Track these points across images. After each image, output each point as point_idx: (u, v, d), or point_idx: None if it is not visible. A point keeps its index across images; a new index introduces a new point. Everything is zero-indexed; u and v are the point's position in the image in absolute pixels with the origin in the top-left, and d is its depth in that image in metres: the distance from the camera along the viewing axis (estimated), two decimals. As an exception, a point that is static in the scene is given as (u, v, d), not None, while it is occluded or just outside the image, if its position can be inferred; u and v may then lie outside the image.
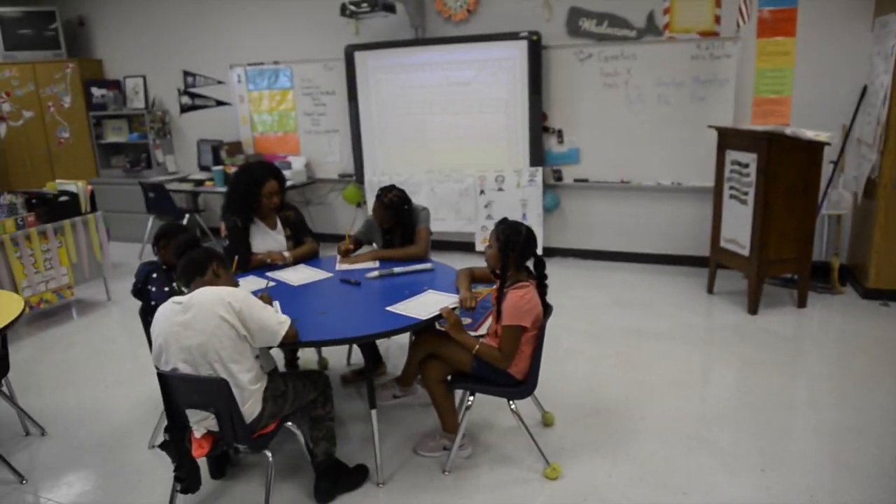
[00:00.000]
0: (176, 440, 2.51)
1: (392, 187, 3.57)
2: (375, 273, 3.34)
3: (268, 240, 3.62)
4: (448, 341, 2.83)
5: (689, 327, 4.50)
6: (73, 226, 5.05)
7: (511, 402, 2.87)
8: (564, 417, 3.35)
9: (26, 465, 3.15)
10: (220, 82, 7.14)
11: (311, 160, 6.85)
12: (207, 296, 2.36)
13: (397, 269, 3.36)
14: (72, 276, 5.08)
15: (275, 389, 2.53)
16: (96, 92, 7.47)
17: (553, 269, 2.86)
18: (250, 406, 2.42)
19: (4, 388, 3.32)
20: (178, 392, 2.43)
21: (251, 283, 3.28)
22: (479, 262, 3.28)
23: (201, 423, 2.44)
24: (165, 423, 2.61)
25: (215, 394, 2.34)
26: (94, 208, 5.25)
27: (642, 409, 3.43)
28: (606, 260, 6.06)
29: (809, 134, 4.25)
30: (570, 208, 6.06)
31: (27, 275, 4.74)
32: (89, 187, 5.23)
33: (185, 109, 7.41)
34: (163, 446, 2.52)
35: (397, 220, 3.58)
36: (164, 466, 2.96)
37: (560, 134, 5.87)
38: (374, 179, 6.39)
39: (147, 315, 3.08)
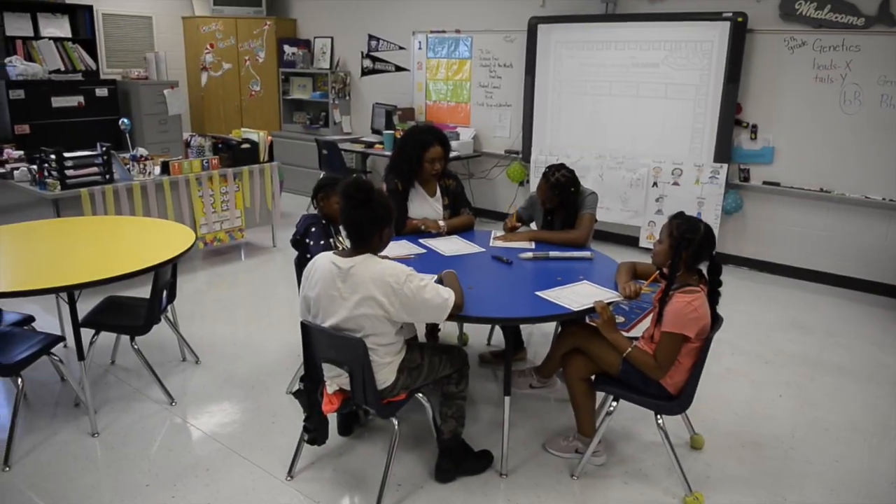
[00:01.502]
0: (309, 391, 2.52)
1: (561, 166, 3.34)
2: (529, 254, 3.14)
3: (425, 206, 3.55)
4: (597, 338, 2.59)
5: (881, 366, 3.86)
6: (251, 172, 5.34)
7: (658, 417, 2.58)
8: (715, 443, 2.99)
9: (178, 388, 3.35)
10: (401, 48, 7.24)
11: (480, 133, 6.76)
12: (369, 272, 2.24)
13: (553, 254, 3.14)
14: (244, 219, 5.40)
15: (410, 362, 2.45)
16: (288, 50, 7.89)
17: (724, 277, 2.51)
18: (384, 374, 2.36)
19: (170, 315, 3.56)
20: (318, 344, 2.42)
21: (402, 247, 3.22)
22: (642, 259, 2.99)
23: (335, 379, 2.41)
24: (303, 372, 2.62)
25: (352, 353, 2.30)
26: (271, 158, 5.52)
27: (811, 452, 2.98)
28: (787, 276, 5.40)
29: None
30: (754, 213, 5.46)
31: (206, 213, 5.08)
32: (269, 138, 5.50)
33: (365, 73, 7.61)
34: (296, 394, 2.54)
35: (561, 201, 3.36)
36: (298, 413, 3.01)
37: (754, 129, 5.28)
38: (541, 159, 6.17)
39: (302, 265, 3.13)
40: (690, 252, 2.42)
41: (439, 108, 7.02)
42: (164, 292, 3.26)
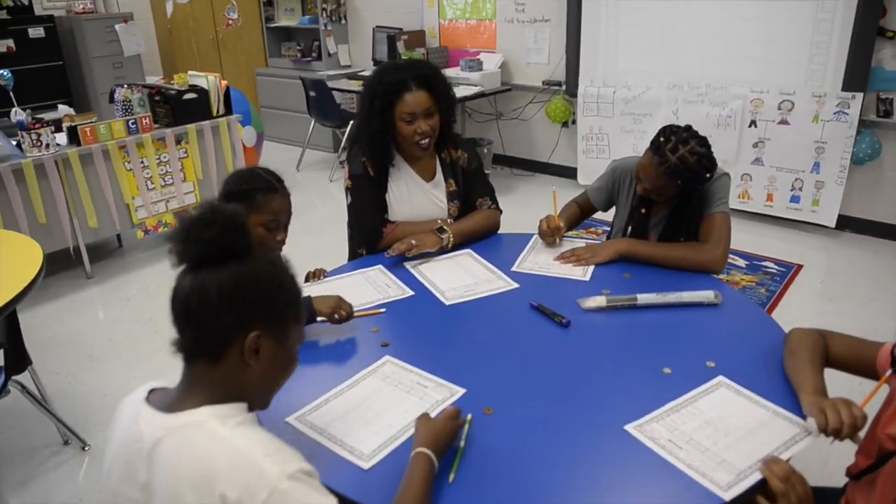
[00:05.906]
0: None
1: (688, 134, 1.83)
2: (601, 300, 1.67)
3: (418, 197, 2.13)
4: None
5: None
6: (200, 132, 3.96)
7: None
8: None
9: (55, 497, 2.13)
10: (405, -48, 5.63)
11: (509, 60, 5.21)
12: (185, 463, 0.91)
13: (642, 298, 1.69)
14: (198, 194, 4.07)
15: None
16: (269, -37, 6.32)
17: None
18: None
19: (35, 387, 2.32)
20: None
21: (368, 281, 1.86)
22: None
23: None
24: None
25: None
26: (228, 111, 4.13)
27: None
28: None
29: None
30: (895, 163, 3.91)
31: (140, 191, 3.77)
32: (223, 82, 4.08)
33: (364, -13, 6.04)
34: None
35: (684, 194, 1.93)
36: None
37: (905, 40, 3.67)
38: (592, 91, 4.65)
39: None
40: None
41: (456, 27, 5.46)
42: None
